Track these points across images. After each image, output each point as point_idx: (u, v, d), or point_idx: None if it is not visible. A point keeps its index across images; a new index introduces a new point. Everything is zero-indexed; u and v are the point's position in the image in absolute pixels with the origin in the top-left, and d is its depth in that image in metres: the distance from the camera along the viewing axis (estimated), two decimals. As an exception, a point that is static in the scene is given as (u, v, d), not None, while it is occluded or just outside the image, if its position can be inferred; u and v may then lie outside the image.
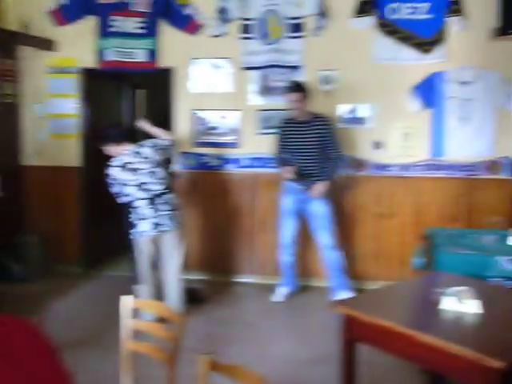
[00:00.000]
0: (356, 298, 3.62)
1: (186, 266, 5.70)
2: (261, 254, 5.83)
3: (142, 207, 4.50)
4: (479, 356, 2.11)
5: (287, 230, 5.24)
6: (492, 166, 5.39)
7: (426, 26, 5.34)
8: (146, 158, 4.55)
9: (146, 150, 4.58)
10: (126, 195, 4.50)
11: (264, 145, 5.55)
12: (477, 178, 5.47)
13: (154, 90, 8.29)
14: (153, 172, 4.54)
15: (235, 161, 5.78)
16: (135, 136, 5.17)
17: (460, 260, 3.66)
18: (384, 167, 5.56)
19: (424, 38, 5.36)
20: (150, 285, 4.67)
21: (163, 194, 4.57)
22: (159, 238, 4.62)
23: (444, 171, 5.50)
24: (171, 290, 4.75)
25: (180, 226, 4.73)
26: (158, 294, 4.74)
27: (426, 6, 5.32)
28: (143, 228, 4.51)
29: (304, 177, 5.04)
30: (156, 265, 4.75)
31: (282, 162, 5.13)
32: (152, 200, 4.52)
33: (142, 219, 4.51)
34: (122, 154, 4.53)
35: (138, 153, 4.56)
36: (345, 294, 5.03)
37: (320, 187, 4.98)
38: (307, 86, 5.08)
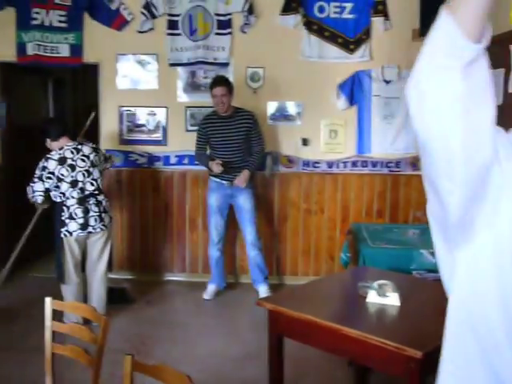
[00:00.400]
0: (282, 293, 3.67)
1: (114, 266, 5.67)
2: (191, 252, 5.82)
3: (73, 206, 4.42)
4: (399, 346, 2.18)
5: (214, 227, 5.26)
6: (415, 161, 5.52)
7: (351, 26, 5.45)
8: (84, 155, 4.49)
9: (87, 149, 4.53)
10: (61, 193, 4.41)
11: (192, 142, 5.44)
12: (401, 173, 5.63)
13: (81, 85, 8.17)
14: (89, 171, 4.49)
15: (163, 158, 5.73)
16: (75, 132, 5.04)
17: (384, 254, 3.77)
18: (312, 164, 5.64)
19: (349, 37, 5.46)
20: (74, 285, 4.57)
21: (95, 194, 4.52)
22: (87, 238, 4.55)
23: (370, 167, 5.63)
24: (95, 292, 4.69)
25: (108, 228, 4.68)
26: (83, 295, 4.66)
27: (351, 5, 5.43)
28: (72, 228, 4.42)
29: (229, 172, 5.06)
30: (81, 265, 4.66)
31: (204, 158, 5.14)
32: (83, 200, 4.44)
33: (72, 219, 4.42)
34: (62, 148, 4.44)
35: (78, 150, 4.48)
36: (262, 289, 5.18)
37: (244, 175, 5.01)
38: (231, 81, 5.11)
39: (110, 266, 5.43)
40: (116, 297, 5.11)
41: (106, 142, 5.69)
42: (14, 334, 4.42)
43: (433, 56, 0.98)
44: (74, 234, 4.44)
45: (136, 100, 5.66)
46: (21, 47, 5.54)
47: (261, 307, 2.75)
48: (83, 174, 4.46)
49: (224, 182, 5.14)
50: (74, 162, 4.43)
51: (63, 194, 4.42)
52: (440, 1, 1.05)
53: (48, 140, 4.52)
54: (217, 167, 4.96)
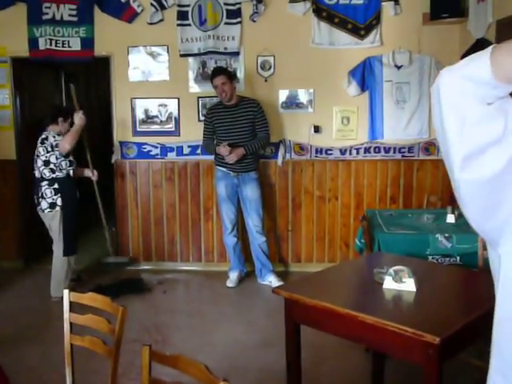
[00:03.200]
0: (298, 281, 3.64)
1: (130, 256, 5.69)
2: (206, 241, 5.83)
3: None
4: (416, 332, 2.15)
5: (226, 215, 5.28)
6: (428, 146, 5.50)
7: (360, 11, 5.39)
8: (38, 144, 4.90)
9: (40, 139, 4.89)
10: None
11: None
12: (414, 159, 5.59)
13: (93, 78, 8.21)
14: (36, 160, 4.91)
15: (176, 149, 5.72)
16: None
17: (399, 239, 3.73)
18: (325, 151, 5.61)
19: (359, 23, 5.41)
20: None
21: (39, 180, 4.89)
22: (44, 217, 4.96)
23: (382, 153, 5.59)
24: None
25: (46, 213, 4.89)
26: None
27: (360, -10, 5.34)
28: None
29: (235, 162, 5.05)
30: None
31: (211, 146, 5.15)
32: (35, 183, 4.95)
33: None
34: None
35: (42, 139, 4.89)
36: (272, 279, 5.20)
37: (236, 152, 4.97)
38: (230, 70, 5.17)
39: (128, 257, 5.63)
40: (133, 286, 5.13)
41: (120, 134, 5.70)
42: (31, 326, 4.43)
43: (465, 82, 1.05)
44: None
45: (148, 91, 5.65)
46: (33, 42, 5.55)
47: (277, 295, 2.73)
48: (35, 161, 4.93)
49: (230, 171, 5.14)
50: (38, 146, 4.92)
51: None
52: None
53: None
54: (224, 149, 4.93)
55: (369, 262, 3.32)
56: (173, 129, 5.72)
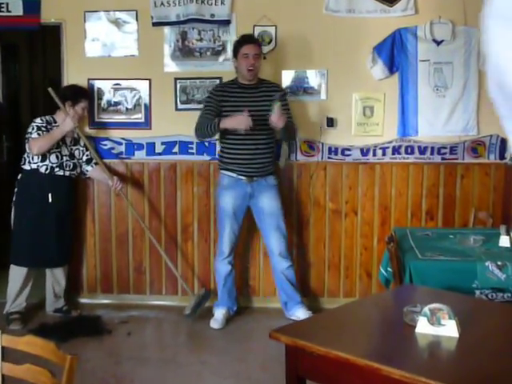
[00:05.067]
0: (304, 322, 3.61)
1: (85, 287, 5.63)
2: (184, 268, 5.76)
3: None
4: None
5: (228, 236, 5.24)
6: (476, 147, 5.45)
7: (390, -31, 5.35)
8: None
9: (31, 126, 5.19)
10: None
11: (184, 124, 5.46)
12: (457, 162, 5.53)
13: (40, 53, 8.15)
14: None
15: (146, 146, 5.67)
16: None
17: (437, 268, 3.73)
18: (341, 151, 5.57)
19: (388, -15, 5.36)
20: None
21: None
22: None
23: (416, 155, 5.55)
24: None
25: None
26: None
27: None
28: None
29: (250, 162, 5.03)
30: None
31: (211, 125, 4.96)
32: None
33: None
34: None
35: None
36: (301, 313, 5.15)
37: (283, 116, 4.86)
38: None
39: (79, 288, 5.61)
40: (88, 327, 5.09)
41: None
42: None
43: None
44: None
45: (110, 71, 5.61)
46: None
47: (276, 341, 2.71)
48: None
49: (241, 176, 5.10)
50: None
51: None
52: None
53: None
54: (246, 120, 4.80)
55: (397, 297, 3.32)
56: (142, 120, 5.68)
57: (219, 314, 5.30)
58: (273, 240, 5.22)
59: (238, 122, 4.86)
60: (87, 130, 5.68)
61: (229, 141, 5.09)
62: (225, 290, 5.34)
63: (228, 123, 4.90)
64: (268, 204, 5.17)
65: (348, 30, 5.46)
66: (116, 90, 5.65)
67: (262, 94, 5.10)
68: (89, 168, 5.44)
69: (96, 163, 5.41)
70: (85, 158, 5.40)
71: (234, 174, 5.12)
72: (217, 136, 5.22)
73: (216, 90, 5.16)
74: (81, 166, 5.41)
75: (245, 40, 5.07)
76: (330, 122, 5.52)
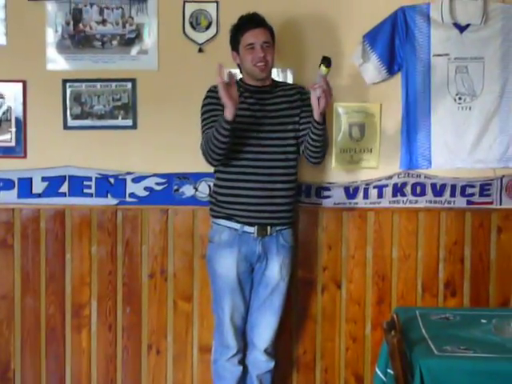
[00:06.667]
0: None
1: None
2: (76, 375, 4.61)
3: None
4: None
5: (229, 319, 4.26)
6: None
7: None
8: None
9: None
10: None
11: (78, 148, 4.58)
12: (491, 208, 4.68)
13: None
14: None
15: (18, 183, 4.68)
16: None
17: (461, 370, 3.16)
18: (315, 191, 4.62)
19: None
20: None
21: None
22: None
23: (429, 196, 4.65)
24: None
25: None
26: None
27: None
28: None
29: (263, 203, 4.07)
30: None
31: (220, 127, 3.96)
32: None
33: None
34: None
35: None
36: None
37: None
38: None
39: None
40: None
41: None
42: None
43: None
44: None
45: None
46: None
47: None
48: None
49: (248, 227, 4.13)
50: None
51: None
52: None
53: None
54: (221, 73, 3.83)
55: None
56: (11, 143, 4.73)
57: None
58: (261, 327, 4.31)
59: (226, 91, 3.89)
60: None
61: (230, 170, 4.17)
62: None
63: (224, 101, 3.83)
64: (278, 273, 4.24)
65: (325, 9, 4.57)
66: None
67: (279, 101, 4.26)
68: None
69: None
70: None
71: (238, 225, 4.10)
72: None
73: (216, 92, 4.22)
74: None
75: (246, 23, 4.23)
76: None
